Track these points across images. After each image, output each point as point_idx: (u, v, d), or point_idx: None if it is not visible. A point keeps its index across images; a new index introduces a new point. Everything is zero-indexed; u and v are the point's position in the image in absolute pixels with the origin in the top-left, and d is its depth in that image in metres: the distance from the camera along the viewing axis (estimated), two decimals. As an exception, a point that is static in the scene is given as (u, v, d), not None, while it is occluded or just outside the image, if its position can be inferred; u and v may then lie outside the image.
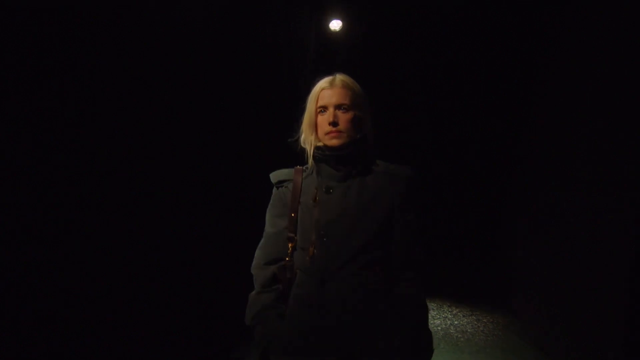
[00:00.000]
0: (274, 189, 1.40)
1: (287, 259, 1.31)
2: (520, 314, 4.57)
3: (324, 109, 1.31)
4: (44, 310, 1.99)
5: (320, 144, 1.33)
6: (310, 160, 1.34)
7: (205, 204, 3.54)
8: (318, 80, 1.36)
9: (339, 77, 1.34)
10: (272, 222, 1.37)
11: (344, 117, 1.29)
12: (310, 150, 1.34)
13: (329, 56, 6.12)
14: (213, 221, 3.60)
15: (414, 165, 1.33)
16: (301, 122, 1.38)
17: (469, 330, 4.37)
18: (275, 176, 1.40)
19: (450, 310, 4.93)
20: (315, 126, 1.33)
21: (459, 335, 4.18)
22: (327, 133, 1.29)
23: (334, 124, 1.28)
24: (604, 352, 2.70)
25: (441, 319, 4.64)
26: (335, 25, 6.17)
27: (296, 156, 1.47)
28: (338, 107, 1.29)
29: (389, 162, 1.37)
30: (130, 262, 2.64)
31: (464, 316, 4.81)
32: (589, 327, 2.94)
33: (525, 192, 4.78)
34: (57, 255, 2.08)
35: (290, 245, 1.31)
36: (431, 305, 4.81)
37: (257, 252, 1.39)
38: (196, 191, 3.43)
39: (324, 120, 1.30)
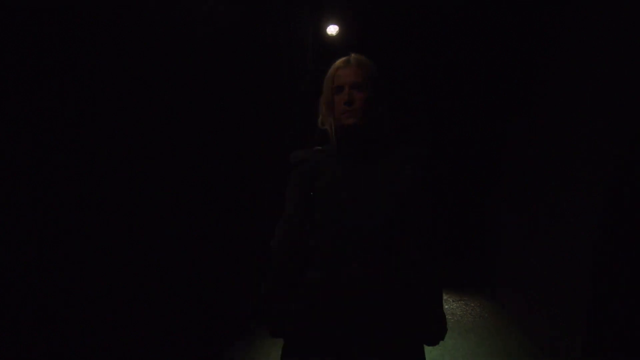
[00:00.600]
0: (294, 169, 1.39)
1: (307, 238, 1.32)
2: (504, 300, 4.98)
3: (339, 88, 1.31)
4: (43, 310, 1.99)
5: (337, 124, 1.33)
6: (333, 140, 1.34)
7: (204, 204, 3.54)
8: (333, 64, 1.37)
9: (354, 57, 1.34)
10: (292, 201, 1.36)
11: (359, 97, 1.29)
12: (330, 130, 1.34)
13: (328, 57, 6.11)
14: (213, 221, 3.61)
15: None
16: (320, 104, 1.38)
17: (458, 313, 4.76)
18: (294, 156, 1.39)
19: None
20: (332, 106, 1.33)
21: (449, 317, 4.45)
22: (343, 113, 1.29)
23: (348, 103, 1.28)
24: (575, 330, 3.10)
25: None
26: (332, 30, 6.20)
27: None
28: (353, 86, 1.29)
29: (405, 141, 1.38)
30: (129, 262, 2.64)
31: (453, 301, 5.22)
32: (563, 311, 3.35)
33: (508, 187, 5.09)
34: (57, 255, 2.08)
35: (310, 224, 1.31)
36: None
37: (278, 231, 1.37)
38: (195, 191, 3.44)
39: (340, 100, 1.31)
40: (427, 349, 1.26)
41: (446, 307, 4.88)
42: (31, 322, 1.92)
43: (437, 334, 1.29)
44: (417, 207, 1.29)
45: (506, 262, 5.01)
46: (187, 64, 3.30)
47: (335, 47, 6.15)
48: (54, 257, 2.05)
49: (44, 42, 1.94)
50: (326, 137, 1.37)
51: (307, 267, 1.33)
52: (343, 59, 1.35)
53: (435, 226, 1.31)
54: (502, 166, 5.43)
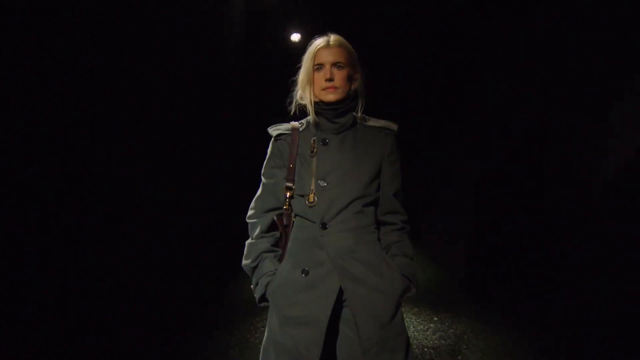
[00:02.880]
0: (272, 142, 1.48)
1: (284, 207, 1.42)
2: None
3: (320, 66, 1.40)
4: (42, 310, 1.99)
5: (316, 99, 1.42)
6: (312, 114, 1.42)
7: (203, 204, 3.54)
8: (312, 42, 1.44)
9: (334, 37, 1.43)
10: (270, 173, 1.45)
11: (339, 74, 1.39)
12: (310, 105, 1.42)
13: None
14: (213, 221, 3.61)
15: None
16: (297, 81, 1.46)
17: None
18: (273, 130, 1.48)
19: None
20: (312, 83, 1.41)
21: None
22: (324, 89, 1.38)
23: (330, 80, 1.37)
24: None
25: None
26: (295, 37, 6.35)
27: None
28: (334, 64, 1.39)
29: (377, 118, 1.49)
30: (129, 262, 2.64)
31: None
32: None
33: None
34: (56, 255, 2.08)
35: (288, 193, 1.40)
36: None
37: (254, 203, 1.47)
38: (194, 191, 3.44)
39: (320, 77, 1.39)
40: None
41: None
42: (30, 322, 1.92)
43: (407, 285, 1.38)
44: (385, 177, 1.43)
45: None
46: (181, 66, 3.29)
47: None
48: (52, 257, 2.05)
49: (43, 41, 1.94)
50: (303, 112, 1.45)
51: (281, 238, 1.43)
52: (323, 38, 1.42)
53: (400, 194, 1.45)
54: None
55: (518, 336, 2.76)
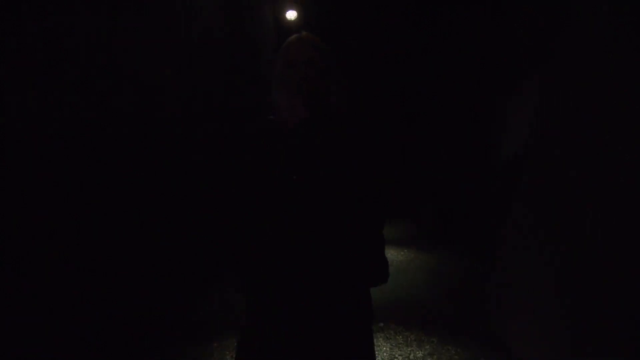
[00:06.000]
0: (245, 142, 1.39)
1: (255, 218, 1.33)
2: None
3: (292, 64, 1.31)
4: (42, 309, 1.98)
5: (289, 102, 1.32)
6: (285, 114, 1.34)
7: (202, 203, 3.52)
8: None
9: (306, 34, 1.35)
10: (239, 183, 1.38)
11: (311, 72, 1.30)
12: (284, 105, 1.33)
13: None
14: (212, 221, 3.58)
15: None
16: (273, 78, 1.37)
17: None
18: (246, 129, 1.41)
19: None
20: (285, 81, 1.32)
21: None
22: (296, 87, 1.29)
23: (302, 78, 1.29)
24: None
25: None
26: (291, 15, 6.34)
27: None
28: (306, 62, 1.30)
29: (354, 121, 1.39)
30: (127, 262, 2.62)
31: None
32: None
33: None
34: (55, 254, 2.06)
35: (260, 194, 1.32)
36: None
37: (225, 214, 1.40)
38: (192, 190, 3.41)
39: (292, 74, 1.30)
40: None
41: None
42: (30, 320, 1.89)
43: (380, 276, 1.38)
44: (361, 184, 1.33)
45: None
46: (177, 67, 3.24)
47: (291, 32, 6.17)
48: (51, 256, 2.02)
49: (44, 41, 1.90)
50: (277, 110, 1.36)
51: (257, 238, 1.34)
52: (295, 35, 1.36)
53: (376, 201, 1.36)
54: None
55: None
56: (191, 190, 3.71)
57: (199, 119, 4.02)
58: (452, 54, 5.93)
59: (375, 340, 1.86)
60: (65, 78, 2.24)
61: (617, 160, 2.01)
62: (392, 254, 5.56)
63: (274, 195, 1.30)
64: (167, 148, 3.41)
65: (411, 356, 2.72)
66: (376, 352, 1.60)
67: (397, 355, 2.71)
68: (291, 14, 6.57)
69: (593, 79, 2.30)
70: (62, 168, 2.23)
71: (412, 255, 5.65)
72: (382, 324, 3.22)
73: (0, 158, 1.84)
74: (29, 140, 1.99)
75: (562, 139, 2.57)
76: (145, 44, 3.06)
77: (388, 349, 2.84)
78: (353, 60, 6.61)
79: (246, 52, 5.24)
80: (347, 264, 1.31)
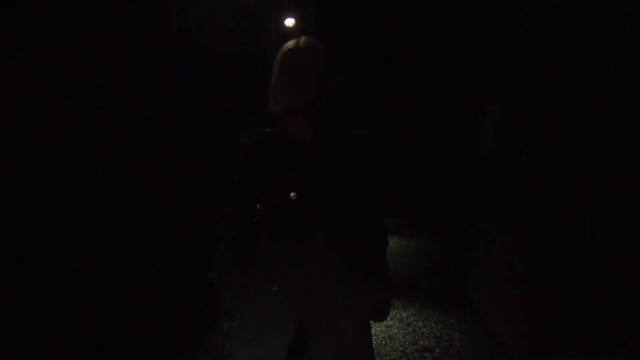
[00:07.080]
0: (243, 151, 1.34)
1: (255, 219, 1.31)
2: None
3: (289, 70, 1.26)
4: (41, 308, 1.98)
5: (288, 106, 1.27)
6: (283, 121, 1.29)
7: (200, 204, 3.52)
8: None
9: (304, 39, 1.30)
10: (241, 183, 1.33)
11: (308, 78, 1.24)
12: (281, 112, 1.29)
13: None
14: (211, 221, 3.58)
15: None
16: (270, 86, 1.31)
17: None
18: (245, 137, 1.34)
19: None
20: (282, 88, 1.27)
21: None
22: (294, 94, 1.25)
23: (299, 84, 1.24)
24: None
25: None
26: (289, 22, 6.34)
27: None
28: (303, 68, 1.25)
29: (355, 124, 1.35)
30: (127, 262, 2.63)
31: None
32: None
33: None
34: (55, 253, 2.07)
35: (259, 205, 1.30)
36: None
37: (225, 212, 1.36)
38: (191, 190, 3.42)
39: (289, 81, 1.25)
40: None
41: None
42: (29, 320, 1.90)
43: (383, 312, 1.38)
44: (365, 190, 1.31)
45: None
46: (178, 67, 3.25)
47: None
48: (51, 256, 2.03)
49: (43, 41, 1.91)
50: (276, 118, 1.31)
51: (254, 248, 1.32)
52: (293, 40, 1.30)
53: (380, 209, 1.35)
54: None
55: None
56: (191, 190, 3.72)
57: (200, 120, 4.02)
58: (452, 54, 5.96)
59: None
60: (66, 78, 2.24)
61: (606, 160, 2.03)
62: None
63: (271, 207, 1.28)
64: (167, 148, 3.41)
65: (397, 316, 3.49)
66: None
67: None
68: (289, 21, 6.56)
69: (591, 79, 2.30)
70: (62, 168, 2.24)
71: (401, 241, 6.54)
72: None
73: (0, 158, 1.85)
74: (29, 140, 2.00)
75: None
76: (148, 45, 3.07)
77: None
78: (353, 61, 6.61)
79: (250, 57, 5.24)
80: (348, 288, 1.28)
